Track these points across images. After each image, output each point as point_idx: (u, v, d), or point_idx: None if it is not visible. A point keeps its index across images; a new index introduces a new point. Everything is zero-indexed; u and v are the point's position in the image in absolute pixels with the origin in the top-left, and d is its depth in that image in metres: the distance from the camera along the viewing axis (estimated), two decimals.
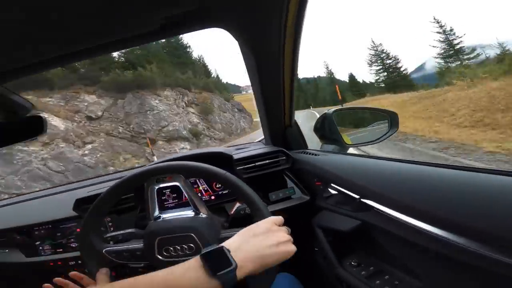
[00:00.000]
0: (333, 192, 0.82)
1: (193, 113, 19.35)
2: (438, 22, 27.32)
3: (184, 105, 19.10)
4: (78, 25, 0.49)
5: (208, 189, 1.07)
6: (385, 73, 35.66)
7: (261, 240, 0.50)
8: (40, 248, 1.07)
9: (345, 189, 0.75)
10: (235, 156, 1.06)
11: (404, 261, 0.58)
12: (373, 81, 38.61)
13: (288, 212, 1.00)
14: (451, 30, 26.89)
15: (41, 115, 0.75)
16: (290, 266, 0.68)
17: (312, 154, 1.06)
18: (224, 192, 1.07)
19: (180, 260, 0.51)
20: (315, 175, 0.96)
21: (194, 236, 0.62)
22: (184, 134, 16.43)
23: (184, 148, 15.30)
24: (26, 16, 0.42)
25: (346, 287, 0.71)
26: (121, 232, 0.83)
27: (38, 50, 0.55)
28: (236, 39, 0.72)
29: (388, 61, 35.67)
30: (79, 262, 1.03)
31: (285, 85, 0.90)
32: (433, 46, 27.50)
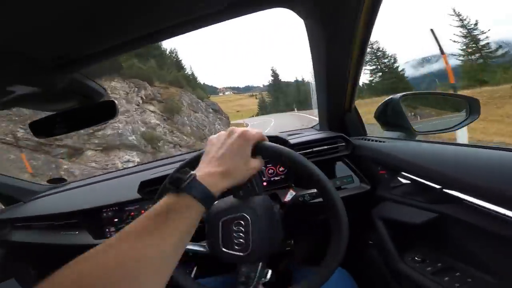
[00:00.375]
0: (404, 181, 0.76)
1: (152, 111, 14.63)
2: (458, 15, 24.60)
3: (140, 101, 14.35)
4: (146, 7, 0.49)
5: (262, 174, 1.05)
6: (380, 73, 32.83)
7: (217, 147, 0.53)
8: (107, 230, 1.14)
9: (421, 178, 0.69)
10: (291, 141, 1.03)
11: (483, 258, 0.56)
12: (367, 82, 35.19)
13: (344, 202, 0.93)
14: (475, 24, 24.31)
15: (112, 100, 0.78)
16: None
17: (374, 140, 0.99)
18: (276, 179, 1.05)
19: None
20: (379, 163, 0.90)
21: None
22: (131, 140, 11.06)
23: (130, 161, 9.97)
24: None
25: (408, 283, 0.67)
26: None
27: (111, 35, 0.56)
28: (304, 19, 0.69)
29: (384, 60, 32.72)
30: None
31: (351, 68, 0.85)
32: (454, 41, 24.94)
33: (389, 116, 1.06)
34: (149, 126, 13.34)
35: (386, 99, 1.07)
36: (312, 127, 1.43)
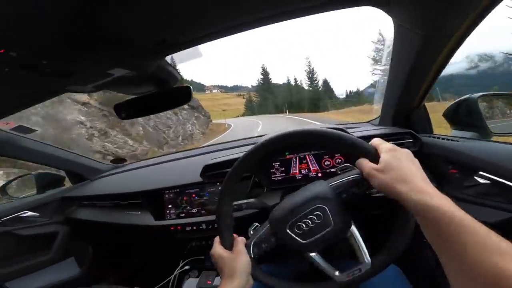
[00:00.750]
0: (481, 181, 0.76)
1: (82, 103, 9.85)
2: None
3: None
4: None
5: (317, 166, 1.05)
6: None
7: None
8: (167, 212, 1.20)
9: (502, 178, 0.69)
10: (355, 135, 1.00)
11: None
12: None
13: None
14: None
15: (187, 86, 0.82)
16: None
17: (444, 139, 0.96)
18: (332, 170, 1.04)
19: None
20: (450, 162, 0.88)
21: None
22: None
23: None
24: None
25: None
26: (245, 201, 0.86)
27: (205, 21, 0.58)
28: (396, 19, 0.69)
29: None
30: (194, 228, 1.14)
31: (434, 66, 0.81)
32: None
33: (462, 115, 1.02)
34: (61, 125, 8.79)
35: (460, 98, 1.03)
36: (368, 122, 1.39)
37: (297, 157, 1.06)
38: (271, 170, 1.06)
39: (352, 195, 0.59)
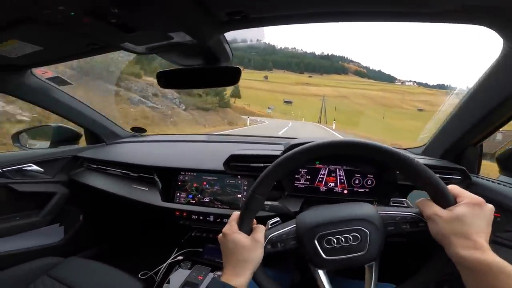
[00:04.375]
0: None
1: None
2: None
3: None
4: None
5: (345, 181, 1.04)
6: None
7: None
8: (177, 194, 1.20)
9: None
10: None
11: None
12: None
13: None
14: None
15: (237, 67, 0.83)
16: None
17: (492, 181, 0.97)
18: (360, 190, 1.03)
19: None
20: (495, 204, 0.86)
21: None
22: None
23: None
24: None
25: None
26: (269, 202, 0.85)
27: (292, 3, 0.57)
28: (507, 40, 0.66)
29: None
30: (201, 218, 1.13)
31: None
32: None
33: None
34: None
35: None
36: (406, 149, 1.36)
37: (327, 169, 1.05)
38: (296, 176, 1.06)
39: (399, 231, 0.58)
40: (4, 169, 1.25)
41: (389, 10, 0.57)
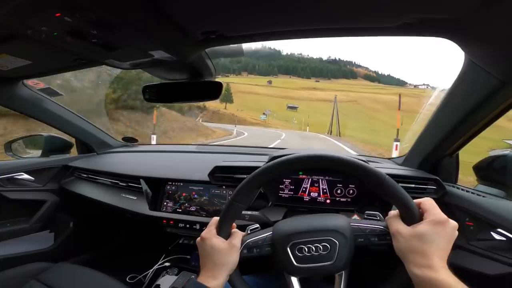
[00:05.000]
0: (496, 237, 0.84)
1: None
2: None
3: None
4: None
5: (328, 191, 1.07)
6: None
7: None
8: (164, 203, 1.22)
9: None
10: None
11: None
12: None
13: None
14: None
15: (219, 81, 0.86)
16: None
17: (468, 191, 1.00)
18: (342, 200, 1.07)
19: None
20: (469, 214, 0.93)
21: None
22: None
23: None
24: None
25: None
26: (249, 212, 0.87)
27: (264, 18, 0.59)
28: (470, 54, 0.69)
29: None
30: (187, 226, 1.15)
31: (492, 114, 0.82)
32: None
33: (494, 171, 1.06)
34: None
35: (498, 153, 1.06)
36: (389, 159, 1.39)
37: (310, 179, 1.08)
38: (280, 186, 1.08)
39: (367, 243, 0.60)
40: None
41: (351, 27, 0.61)
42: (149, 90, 0.91)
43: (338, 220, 0.63)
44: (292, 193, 1.08)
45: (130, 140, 1.78)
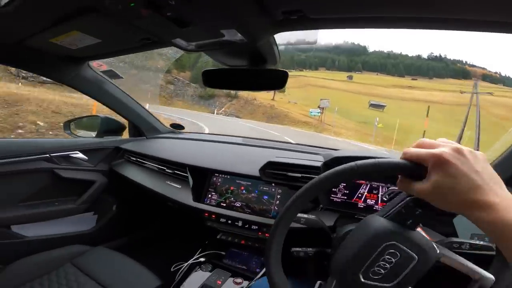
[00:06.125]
0: None
1: None
2: None
3: None
4: None
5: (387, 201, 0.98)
6: None
7: None
8: (209, 196, 1.19)
9: None
10: None
11: None
12: None
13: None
14: None
15: (285, 70, 0.80)
16: None
17: None
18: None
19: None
20: None
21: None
22: None
23: None
24: None
25: None
26: (305, 216, 0.80)
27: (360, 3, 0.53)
28: None
29: None
30: (229, 222, 1.11)
31: None
32: None
33: None
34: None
35: None
36: None
37: (368, 185, 1.00)
38: (333, 189, 1.02)
39: (418, 216, 0.50)
40: (52, 155, 1.33)
41: (472, 19, 0.51)
42: (210, 75, 0.89)
43: (370, 224, 0.54)
44: (345, 198, 1.01)
45: (177, 127, 1.81)
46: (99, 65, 1.44)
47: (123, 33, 0.82)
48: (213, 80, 0.89)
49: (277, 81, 0.81)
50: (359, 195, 1.00)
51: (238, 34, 0.66)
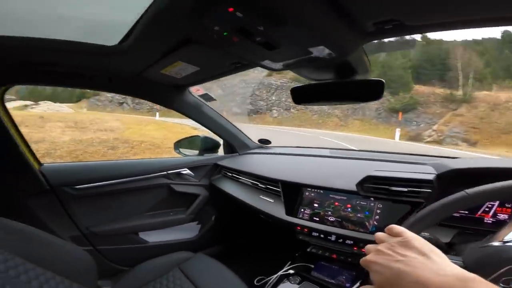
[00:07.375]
0: None
1: None
2: None
3: None
4: None
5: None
6: None
7: None
8: (302, 210, 1.20)
9: None
10: None
11: None
12: None
13: None
14: None
15: (380, 79, 0.75)
16: None
17: None
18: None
19: None
20: None
21: None
22: None
23: None
24: None
25: None
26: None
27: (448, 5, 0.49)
28: None
29: None
30: (321, 236, 1.09)
31: None
32: None
33: None
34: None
35: None
36: None
37: None
38: None
39: None
40: (168, 172, 1.60)
41: None
42: (298, 92, 0.90)
43: None
44: (467, 212, 0.87)
45: (265, 142, 1.90)
46: (196, 90, 1.66)
47: (217, 59, 0.93)
48: (303, 96, 0.91)
49: (372, 92, 0.77)
50: (486, 209, 0.85)
51: (327, 50, 0.66)
